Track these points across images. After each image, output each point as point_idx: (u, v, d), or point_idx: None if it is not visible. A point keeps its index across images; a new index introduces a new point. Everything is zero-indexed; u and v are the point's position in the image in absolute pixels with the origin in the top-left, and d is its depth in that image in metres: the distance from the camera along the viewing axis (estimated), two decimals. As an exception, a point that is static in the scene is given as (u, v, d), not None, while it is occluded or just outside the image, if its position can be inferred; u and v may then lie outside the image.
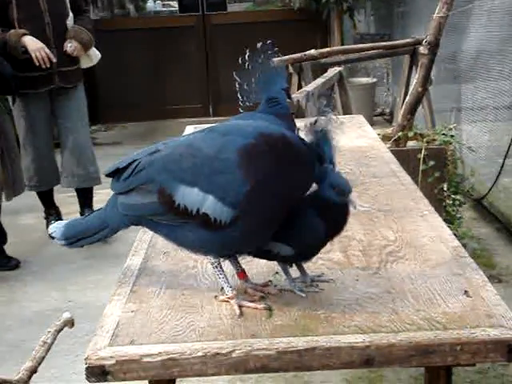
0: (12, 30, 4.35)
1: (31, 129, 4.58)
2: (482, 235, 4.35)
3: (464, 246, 3.83)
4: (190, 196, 1.46)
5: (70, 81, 4.58)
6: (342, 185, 1.50)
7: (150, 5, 10.12)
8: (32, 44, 4.33)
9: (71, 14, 4.55)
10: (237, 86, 1.57)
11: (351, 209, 1.53)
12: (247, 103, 1.63)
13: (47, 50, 4.35)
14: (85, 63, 4.72)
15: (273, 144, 1.45)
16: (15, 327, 3.59)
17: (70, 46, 4.46)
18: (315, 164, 1.50)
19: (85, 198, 4.84)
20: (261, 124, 1.53)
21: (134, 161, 1.57)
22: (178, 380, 2.82)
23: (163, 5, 10.65)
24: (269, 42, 1.61)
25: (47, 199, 4.88)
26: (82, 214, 4.86)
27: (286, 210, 1.50)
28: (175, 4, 8.99)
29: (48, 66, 4.37)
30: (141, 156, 1.57)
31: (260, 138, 1.46)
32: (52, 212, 4.88)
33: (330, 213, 1.51)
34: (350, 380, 2.88)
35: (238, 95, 1.60)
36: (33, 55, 4.33)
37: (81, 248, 1.80)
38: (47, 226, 4.85)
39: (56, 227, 1.69)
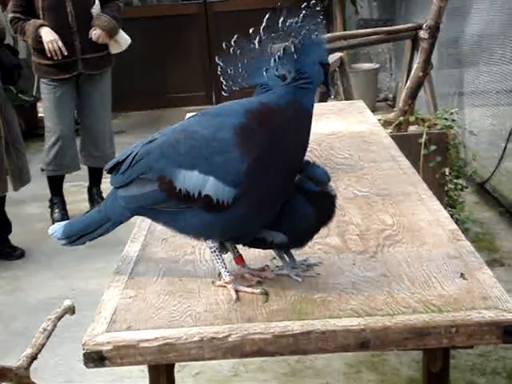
0: (31, 20, 4.52)
1: (55, 112, 4.72)
2: (485, 219, 4.35)
3: (466, 229, 3.88)
4: (190, 180, 1.47)
5: (95, 67, 4.72)
6: (318, 175, 1.53)
7: (152, -7, 10.09)
8: (46, 35, 4.49)
9: (97, 2, 4.66)
10: (219, 69, 1.54)
11: (340, 194, 1.54)
12: (232, 88, 1.61)
13: (60, 43, 4.49)
14: (114, 49, 4.85)
15: (261, 117, 1.46)
16: (20, 316, 3.61)
17: (95, 34, 4.61)
18: (304, 118, 1.50)
19: (95, 176, 5.03)
20: (245, 101, 1.53)
21: (131, 153, 1.57)
22: (182, 366, 2.86)
23: (166, -7, 10.62)
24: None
25: (57, 186, 4.94)
26: (90, 190, 5.07)
27: (286, 184, 1.50)
28: (178, -8, 8.98)
29: (59, 57, 4.52)
30: (137, 147, 1.58)
31: (248, 115, 1.46)
32: (57, 200, 4.92)
33: (316, 200, 1.53)
34: (351, 364, 2.89)
35: (221, 79, 1.57)
36: (45, 46, 4.50)
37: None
38: (51, 215, 4.89)
39: (56, 228, 1.69)
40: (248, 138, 1.44)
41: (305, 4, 1.52)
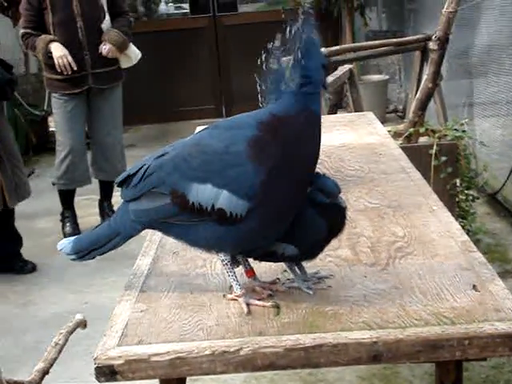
0: (42, 36, 4.57)
1: (66, 127, 4.76)
2: (497, 230, 4.33)
3: (478, 241, 3.86)
4: (203, 193, 1.47)
5: (105, 82, 4.75)
6: (329, 187, 1.53)
7: (162, 8, 10.16)
8: (56, 50, 4.54)
9: (107, 17, 4.70)
10: (258, 87, 1.55)
11: (351, 206, 1.54)
12: (265, 104, 1.61)
13: (69, 58, 4.53)
14: (124, 63, 4.88)
15: (273, 128, 1.46)
16: (32, 329, 3.62)
17: (105, 48, 4.64)
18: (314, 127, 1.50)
19: (106, 190, 5.04)
20: (255, 113, 1.53)
21: (143, 166, 1.57)
22: (193, 380, 2.85)
23: (175, 7, 10.69)
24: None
25: (68, 200, 4.97)
26: (100, 204, 5.09)
27: (299, 195, 1.50)
28: (187, 6, 9.02)
29: (69, 72, 4.57)
30: (149, 161, 1.57)
31: (261, 126, 1.46)
32: (68, 214, 4.94)
33: (327, 212, 1.52)
34: (364, 377, 2.88)
35: (259, 96, 1.57)
36: (55, 61, 4.54)
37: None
38: (63, 229, 4.90)
39: (64, 243, 1.68)
40: (261, 151, 1.44)
41: (301, 10, 1.52)
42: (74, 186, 4.90)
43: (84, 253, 1.66)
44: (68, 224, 4.91)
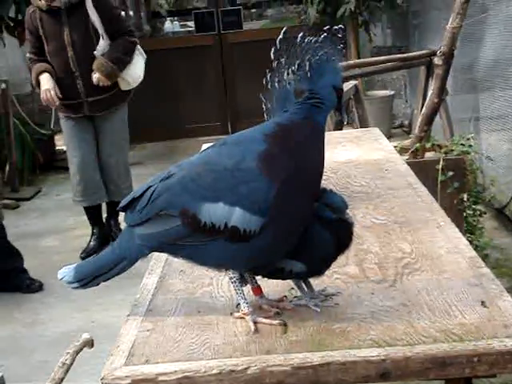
0: (37, 64, 4.63)
1: (72, 144, 4.85)
2: (505, 245, 4.31)
3: (486, 256, 3.84)
4: (215, 212, 1.45)
5: (102, 109, 4.74)
6: (336, 202, 1.53)
7: (167, 26, 10.22)
8: (43, 83, 4.60)
9: (102, 41, 4.61)
10: (263, 106, 1.56)
11: (358, 222, 1.54)
12: None
13: (52, 92, 4.56)
14: (123, 86, 4.83)
15: (279, 139, 1.46)
16: (40, 349, 3.62)
17: (95, 77, 4.62)
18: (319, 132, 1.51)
19: (111, 208, 5.05)
20: (260, 126, 1.53)
21: (148, 189, 1.54)
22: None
23: (181, 25, 10.75)
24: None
25: (91, 216, 5.03)
26: (108, 221, 5.10)
27: (309, 208, 1.50)
28: (192, 24, 9.07)
29: (52, 106, 4.71)
30: (154, 183, 1.55)
31: (269, 140, 1.46)
32: (95, 230, 4.99)
33: (334, 228, 1.52)
34: (373, 394, 2.85)
35: (265, 115, 1.58)
36: (41, 95, 4.62)
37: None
38: (87, 244, 4.96)
39: (65, 272, 1.64)
40: (272, 164, 1.44)
41: (328, 27, 1.52)
42: (88, 202, 4.92)
43: (88, 280, 1.63)
44: (93, 238, 4.99)
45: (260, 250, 1.48)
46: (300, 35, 1.50)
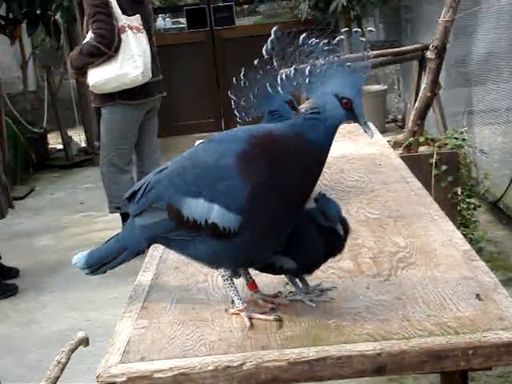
0: None
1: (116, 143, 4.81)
2: (499, 238, 4.32)
3: (481, 249, 3.84)
4: (196, 208, 1.46)
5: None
6: (329, 210, 1.52)
7: (159, 22, 10.19)
8: None
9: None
10: (232, 103, 1.55)
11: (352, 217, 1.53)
12: (246, 119, 1.62)
13: None
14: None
15: (263, 144, 1.43)
16: (35, 348, 3.61)
17: None
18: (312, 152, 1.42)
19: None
20: (252, 127, 1.51)
21: (146, 182, 1.57)
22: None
23: (173, 22, 10.72)
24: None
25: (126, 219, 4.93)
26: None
27: (292, 212, 1.47)
28: (184, 21, 9.06)
29: None
30: (152, 176, 1.58)
31: (252, 140, 1.44)
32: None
33: (324, 234, 1.52)
34: (369, 389, 2.86)
35: (235, 112, 1.58)
36: None
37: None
38: None
39: (79, 257, 1.69)
40: (248, 164, 1.42)
41: (333, 32, 1.43)
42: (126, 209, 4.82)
43: (96, 267, 1.67)
44: None
45: (242, 249, 1.47)
46: (302, 36, 1.40)
